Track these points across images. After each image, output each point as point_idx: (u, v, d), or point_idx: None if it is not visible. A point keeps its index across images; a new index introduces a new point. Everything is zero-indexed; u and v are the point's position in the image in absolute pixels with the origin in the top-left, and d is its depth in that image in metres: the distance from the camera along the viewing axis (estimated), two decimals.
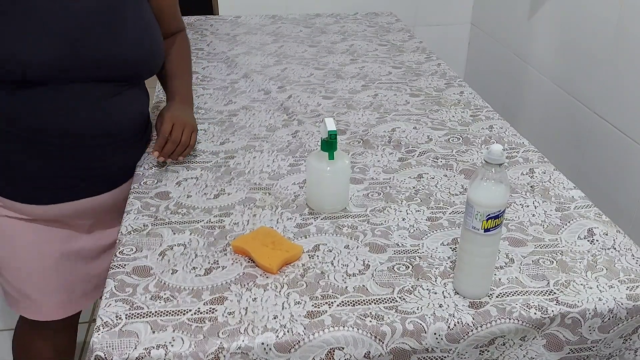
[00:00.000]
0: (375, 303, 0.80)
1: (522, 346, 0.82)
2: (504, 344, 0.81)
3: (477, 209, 0.75)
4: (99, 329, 0.73)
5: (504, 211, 0.76)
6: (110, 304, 0.78)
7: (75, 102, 0.98)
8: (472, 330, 0.78)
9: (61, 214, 1.08)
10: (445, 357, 0.79)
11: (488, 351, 0.81)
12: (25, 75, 0.92)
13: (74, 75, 0.97)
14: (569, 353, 0.84)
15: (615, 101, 1.51)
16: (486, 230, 0.76)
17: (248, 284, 0.83)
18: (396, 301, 0.80)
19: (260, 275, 0.84)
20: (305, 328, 0.75)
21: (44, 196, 1.04)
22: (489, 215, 0.75)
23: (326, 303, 0.80)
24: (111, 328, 0.74)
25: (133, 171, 1.11)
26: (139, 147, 1.14)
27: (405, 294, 0.82)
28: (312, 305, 0.79)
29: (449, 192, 1.06)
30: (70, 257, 1.12)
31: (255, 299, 0.80)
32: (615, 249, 0.92)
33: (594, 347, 0.84)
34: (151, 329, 0.74)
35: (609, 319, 0.82)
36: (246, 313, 0.77)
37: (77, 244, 1.13)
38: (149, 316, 0.76)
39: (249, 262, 0.87)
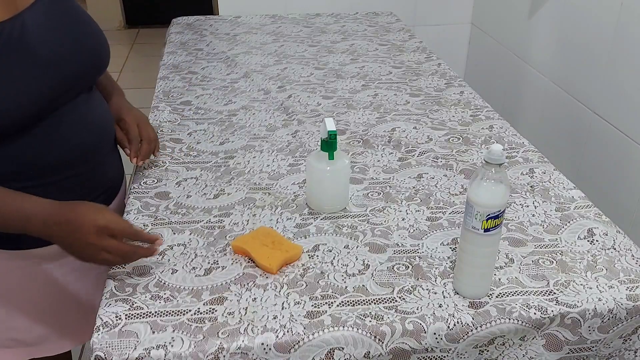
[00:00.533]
0: (375, 303, 0.80)
1: (522, 346, 0.82)
2: (504, 344, 0.81)
3: (477, 209, 0.75)
4: (99, 329, 0.73)
5: (503, 211, 0.76)
6: (110, 304, 0.78)
7: (72, 124, 0.91)
8: (471, 330, 0.78)
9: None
10: (444, 356, 0.79)
11: (487, 351, 0.81)
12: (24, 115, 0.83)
13: (65, 98, 0.90)
14: (568, 353, 0.84)
15: (615, 101, 1.51)
16: (486, 230, 0.76)
17: (248, 284, 0.83)
18: (396, 301, 0.80)
19: (260, 275, 0.84)
20: (305, 328, 0.75)
21: None
22: (489, 215, 0.75)
23: (326, 303, 0.80)
24: (111, 328, 0.74)
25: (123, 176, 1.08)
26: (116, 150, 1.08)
27: (405, 293, 0.82)
28: (312, 306, 0.79)
29: (449, 192, 1.06)
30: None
31: (255, 299, 0.80)
32: (615, 249, 0.92)
33: (593, 347, 0.84)
34: (151, 329, 0.74)
35: (608, 319, 0.82)
36: (246, 313, 0.77)
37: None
38: (149, 316, 0.76)
39: (248, 262, 0.87)
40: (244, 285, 0.82)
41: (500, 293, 0.82)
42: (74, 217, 0.78)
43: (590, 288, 0.84)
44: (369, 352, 0.77)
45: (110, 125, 1.02)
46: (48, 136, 0.87)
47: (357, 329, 0.76)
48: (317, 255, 0.89)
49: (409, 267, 0.87)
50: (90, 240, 0.77)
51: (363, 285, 0.83)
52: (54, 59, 0.85)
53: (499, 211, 0.75)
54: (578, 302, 0.81)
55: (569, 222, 0.98)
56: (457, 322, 0.78)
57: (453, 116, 1.35)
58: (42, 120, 0.85)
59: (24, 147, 0.85)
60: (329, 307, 0.79)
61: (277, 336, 0.74)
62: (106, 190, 1.01)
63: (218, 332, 0.74)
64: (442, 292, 0.82)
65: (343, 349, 0.76)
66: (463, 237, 0.79)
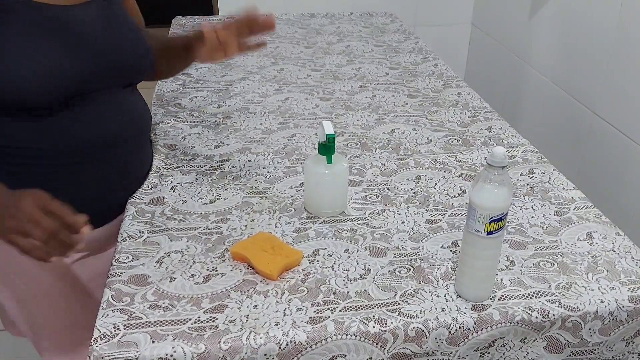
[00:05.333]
0: (377, 307, 0.79)
1: (523, 348, 0.82)
2: (504, 346, 0.81)
3: (479, 212, 0.74)
4: (97, 341, 0.72)
5: (506, 214, 0.75)
6: (107, 314, 0.76)
7: (109, 109, 0.95)
8: (472, 334, 0.78)
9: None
10: (445, 359, 0.78)
11: (488, 353, 0.81)
12: (67, 92, 0.88)
13: (101, 85, 0.93)
14: (570, 355, 0.83)
15: (615, 101, 1.51)
16: (489, 233, 0.75)
17: (248, 290, 0.82)
18: (399, 304, 0.80)
19: (261, 281, 0.83)
20: (307, 335, 0.74)
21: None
22: (491, 218, 0.74)
23: (328, 309, 0.79)
24: (110, 339, 0.72)
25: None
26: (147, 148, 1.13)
27: (408, 297, 0.81)
28: (314, 311, 0.78)
29: (448, 194, 1.05)
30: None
31: (256, 305, 0.79)
32: (614, 250, 0.92)
33: (595, 349, 0.84)
34: (151, 339, 0.73)
35: (609, 321, 0.82)
36: (247, 320, 0.76)
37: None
38: (148, 326, 0.75)
39: (248, 268, 0.86)
40: (245, 292, 0.81)
41: (502, 296, 0.82)
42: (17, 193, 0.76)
43: (592, 290, 0.83)
44: (371, 358, 0.76)
45: (146, 122, 1.06)
46: (84, 116, 0.91)
47: (360, 337, 0.75)
48: (318, 260, 0.88)
49: (410, 269, 0.86)
50: (22, 207, 0.73)
51: (365, 290, 0.82)
52: (95, 48, 0.90)
53: (502, 214, 0.75)
54: (580, 304, 0.81)
55: (568, 223, 0.98)
56: (460, 327, 0.77)
57: (452, 117, 1.34)
58: (79, 100, 0.90)
59: (62, 124, 0.89)
60: (332, 313, 0.78)
61: (280, 344, 0.73)
62: (131, 182, 1.04)
63: (220, 341, 0.73)
64: (445, 295, 0.82)
65: (345, 356, 0.75)
66: (465, 240, 0.79)
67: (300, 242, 0.92)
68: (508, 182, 0.74)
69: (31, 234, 0.73)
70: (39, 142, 0.89)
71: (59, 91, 0.87)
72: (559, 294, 0.82)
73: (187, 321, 0.76)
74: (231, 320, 0.76)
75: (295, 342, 0.74)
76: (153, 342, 0.72)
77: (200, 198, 1.03)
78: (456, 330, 0.77)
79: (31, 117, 0.87)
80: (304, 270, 0.86)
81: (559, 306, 0.80)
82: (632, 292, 0.83)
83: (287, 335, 0.74)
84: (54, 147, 0.90)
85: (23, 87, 0.83)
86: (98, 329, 0.74)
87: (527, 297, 0.82)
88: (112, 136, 0.96)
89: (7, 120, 0.87)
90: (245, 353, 0.72)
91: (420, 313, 0.78)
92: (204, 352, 0.72)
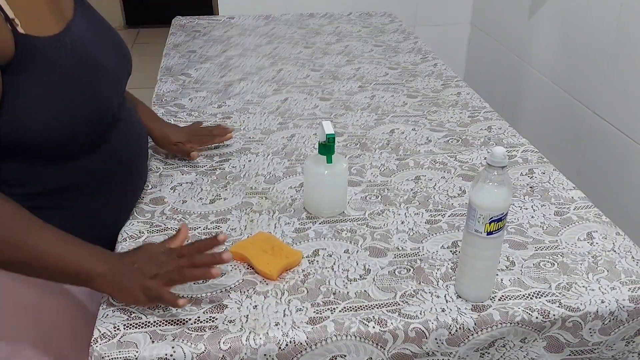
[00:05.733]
0: (377, 308, 0.79)
1: (523, 348, 0.82)
2: (504, 346, 0.81)
3: (479, 212, 0.74)
4: (97, 341, 0.72)
5: (506, 214, 0.75)
6: (107, 315, 0.76)
7: (129, 128, 0.93)
8: (472, 334, 0.77)
9: None
10: None
11: (489, 353, 0.81)
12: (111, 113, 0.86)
13: (119, 104, 0.91)
14: (570, 355, 0.83)
15: (615, 101, 1.51)
16: (489, 233, 0.75)
17: (248, 291, 0.81)
18: (399, 305, 0.79)
19: (260, 281, 0.83)
20: (307, 335, 0.74)
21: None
22: (491, 218, 0.74)
23: (328, 309, 0.78)
24: (109, 339, 0.72)
25: None
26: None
27: (408, 297, 0.81)
28: (314, 312, 0.78)
29: (448, 195, 1.05)
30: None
31: (255, 306, 0.79)
32: (615, 250, 0.92)
33: (595, 349, 0.83)
34: (150, 338, 0.72)
35: (609, 321, 0.81)
36: (247, 320, 0.76)
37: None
38: (148, 326, 0.75)
39: (247, 268, 0.86)
40: (244, 292, 0.81)
41: (502, 296, 0.82)
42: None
43: (593, 290, 0.83)
44: (371, 358, 0.76)
45: (146, 134, 1.04)
46: (112, 145, 0.87)
47: (360, 337, 0.75)
48: (317, 261, 0.88)
49: (410, 270, 0.86)
50: (159, 261, 0.75)
51: (365, 291, 0.82)
52: (105, 66, 0.85)
53: (502, 214, 0.74)
54: (581, 304, 0.81)
55: (568, 223, 0.98)
56: (460, 327, 0.77)
57: (451, 117, 1.34)
58: (109, 129, 0.86)
59: (89, 160, 0.84)
60: (332, 313, 0.78)
61: (279, 344, 0.73)
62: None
63: (219, 341, 0.73)
64: (445, 296, 0.82)
65: (345, 356, 0.75)
66: (465, 241, 0.79)
67: (300, 242, 0.92)
68: (508, 182, 0.74)
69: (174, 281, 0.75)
70: (74, 177, 0.84)
71: (102, 120, 0.83)
72: (559, 294, 0.82)
73: (186, 321, 0.76)
74: (231, 321, 0.76)
75: (295, 343, 0.73)
76: (153, 342, 0.72)
77: (200, 198, 1.03)
78: (456, 330, 0.77)
79: (66, 157, 0.82)
80: (303, 270, 0.86)
81: (559, 306, 0.80)
82: (632, 292, 0.83)
83: (286, 336, 0.74)
84: (90, 178, 0.85)
85: (67, 130, 0.79)
86: (98, 329, 0.74)
87: (527, 297, 0.82)
88: (134, 160, 0.95)
89: (40, 165, 0.81)
90: (245, 353, 0.72)
91: (420, 313, 0.78)
92: (203, 352, 0.72)
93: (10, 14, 0.71)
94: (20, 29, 0.72)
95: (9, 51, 0.71)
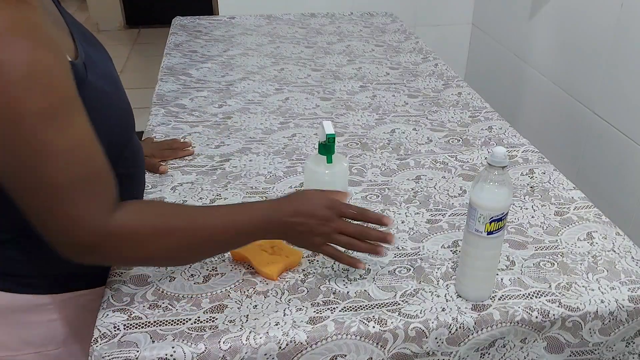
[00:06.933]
0: (377, 307, 0.79)
1: (523, 348, 0.82)
2: (505, 346, 0.81)
3: (480, 212, 0.74)
4: (97, 341, 0.72)
5: (506, 214, 0.75)
6: (107, 315, 0.76)
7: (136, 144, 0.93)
8: (472, 334, 0.78)
9: None
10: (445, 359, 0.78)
11: (489, 354, 0.81)
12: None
13: None
14: (570, 355, 0.83)
15: (615, 101, 1.51)
16: (489, 233, 0.75)
17: (248, 290, 0.82)
18: (399, 304, 0.79)
19: (260, 281, 0.83)
20: (307, 335, 0.74)
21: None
22: (492, 218, 0.74)
23: (328, 309, 0.79)
24: (110, 339, 0.72)
25: None
26: None
27: (408, 297, 0.81)
28: (314, 311, 0.78)
29: (448, 194, 1.05)
30: None
31: (256, 306, 0.79)
32: (615, 250, 0.92)
33: (595, 350, 0.83)
34: (151, 338, 0.73)
35: (609, 321, 0.81)
36: (247, 320, 0.76)
37: None
38: (148, 326, 0.75)
39: (248, 268, 0.86)
40: (244, 292, 0.81)
41: (502, 295, 0.82)
42: (303, 208, 0.77)
43: (592, 290, 0.83)
44: (371, 358, 0.76)
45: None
46: (132, 157, 0.87)
47: (360, 336, 0.75)
48: (317, 260, 0.88)
49: (410, 269, 0.86)
50: (323, 227, 0.76)
51: (365, 290, 0.82)
52: (116, 84, 0.83)
53: (502, 214, 0.74)
54: (581, 304, 0.81)
55: (568, 223, 0.98)
56: (460, 327, 0.77)
57: (452, 117, 1.34)
58: (130, 142, 0.86)
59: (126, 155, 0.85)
60: (332, 313, 0.78)
61: (280, 344, 0.73)
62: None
63: (220, 340, 0.73)
64: (445, 295, 0.82)
65: (345, 356, 0.75)
66: (466, 240, 0.79)
67: None
68: (508, 182, 0.74)
69: (342, 243, 0.77)
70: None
71: (126, 133, 0.84)
72: (559, 294, 0.82)
73: (186, 321, 0.76)
74: (231, 320, 0.76)
75: (295, 342, 0.74)
76: (153, 342, 0.72)
77: (201, 198, 1.03)
78: (456, 330, 0.77)
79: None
80: (303, 270, 0.86)
81: (559, 306, 0.80)
82: (632, 292, 0.83)
83: (287, 335, 0.74)
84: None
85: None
86: (98, 329, 0.74)
87: (527, 297, 0.82)
88: (141, 171, 0.95)
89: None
90: (245, 353, 0.72)
91: (421, 313, 0.78)
92: (203, 352, 0.72)
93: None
94: (68, 56, 0.68)
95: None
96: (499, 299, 0.81)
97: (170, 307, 0.78)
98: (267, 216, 0.76)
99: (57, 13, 0.77)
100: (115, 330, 0.74)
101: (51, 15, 0.73)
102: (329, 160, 0.94)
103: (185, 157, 1.15)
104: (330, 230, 0.77)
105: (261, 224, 0.75)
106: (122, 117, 0.82)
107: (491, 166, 0.73)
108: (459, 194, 1.05)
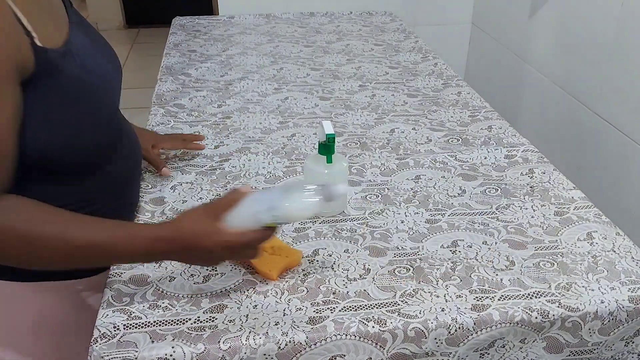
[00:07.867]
0: (377, 307, 0.79)
1: (522, 349, 0.82)
2: (504, 346, 0.81)
3: None
4: (97, 341, 0.72)
5: None
6: (107, 314, 0.76)
7: (132, 139, 0.94)
8: (472, 334, 0.78)
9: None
10: None
11: (488, 354, 0.81)
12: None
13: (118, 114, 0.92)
14: (569, 355, 0.83)
15: (615, 101, 1.51)
16: None
17: (248, 290, 0.82)
18: (398, 304, 0.79)
19: (260, 281, 0.83)
20: (307, 335, 0.74)
21: None
22: None
23: (328, 309, 0.79)
24: (109, 339, 0.72)
25: None
26: None
27: (407, 297, 0.81)
28: (314, 311, 0.78)
29: (447, 194, 1.05)
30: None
31: (255, 305, 0.79)
32: (614, 251, 0.92)
33: (594, 349, 0.83)
34: (150, 338, 0.73)
35: (609, 321, 0.81)
36: (247, 320, 0.76)
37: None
38: (148, 326, 0.75)
39: (247, 268, 0.86)
40: (244, 292, 0.81)
41: (502, 296, 0.82)
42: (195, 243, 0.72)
43: (592, 290, 0.83)
44: (370, 358, 0.76)
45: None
46: (123, 153, 0.88)
47: (359, 337, 0.75)
48: (317, 260, 0.88)
49: (409, 269, 0.86)
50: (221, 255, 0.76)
51: (364, 290, 0.82)
52: (106, 75, 0.83)
53: None
54: (580, 304, 0.81)
55: (568, 223, 0.98)
56: (459, 327, 0.77)
57: (452, 117, 1.34)
58: (119, 138, 0.87)
59: (104, 171, 0.84)
60: (331, 313, 0.78)
61: (279, 343, 0.73)
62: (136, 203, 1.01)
63: (219, 340, 0.73)
64: (444, 295, 0.82)
65: (345, 356, 0.75)
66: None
67: (299, 242, 0.92)
68: None
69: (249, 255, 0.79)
70: (88, 190, 0.83)
71: (113, 128, 0.85)
72: (559, 294, 0.82)
73: (186, 321, 0.76)
74: (230, 320, 0.76)
75: (294, 342, 0.74)
76: (152, 342, 0.72)
77: (201, 198, 1.03)
78: (456, 330, 0.77)
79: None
80: (303, 270, 0.86)
81: (558, 306, 0.80)
82: (632, 292, 0.83)
83: (286, 335, 0.74)
84: (82, 199, 0.83)
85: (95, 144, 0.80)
86: (98, 329, 0.74)
87: (527, 297, 0.82)
88: (137, 168, 0.96)
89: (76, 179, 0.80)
90: (245, 353, 0.72)
91: (420, 313, 0.78)
92: (203, 352, 0.72)
93: (29, 27, 0.68)
94: (37, 42, 0.69)
95: (30, 65, 0.68)
96: (499, 299, 0.81)
97: (170, 307, 0.78)
98: (150, 240, 0.72)
99: (59, 3, 0.80)
100: (114, 330, 0.74)
101: (43, 1, 0.75)
102: (329, 160, 0.94)
103: (185, 157, 1.15)
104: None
105: (144, 246, 0.72)
106: (102, 110, 0.81)
107: None
108: (459, 194, 1.05)
